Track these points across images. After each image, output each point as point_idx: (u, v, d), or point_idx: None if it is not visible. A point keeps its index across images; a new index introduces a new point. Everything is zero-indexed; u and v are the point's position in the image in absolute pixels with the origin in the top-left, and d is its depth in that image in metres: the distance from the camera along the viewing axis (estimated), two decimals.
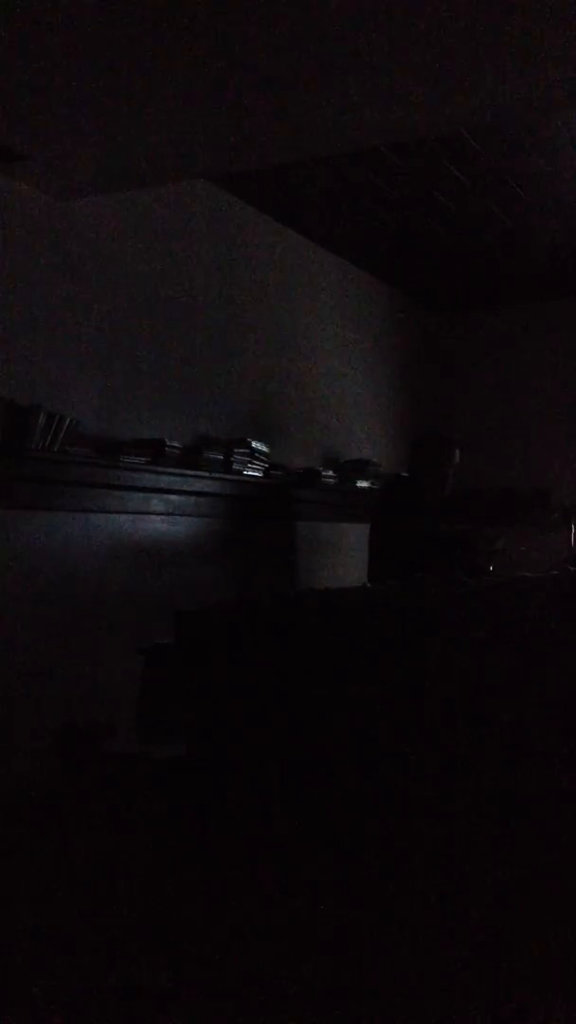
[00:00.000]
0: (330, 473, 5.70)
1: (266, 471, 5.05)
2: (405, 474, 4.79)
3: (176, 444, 4.40)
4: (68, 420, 3.81)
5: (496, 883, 2.13)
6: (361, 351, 6.43)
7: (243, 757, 2.42)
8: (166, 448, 4.30)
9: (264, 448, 5.01)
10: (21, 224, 3.91)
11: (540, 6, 2.80)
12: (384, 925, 2.21)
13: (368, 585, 3.97)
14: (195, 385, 4.81)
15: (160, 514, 4.51)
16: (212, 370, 4.94)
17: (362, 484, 5.92)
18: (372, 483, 5.96)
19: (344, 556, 5.90)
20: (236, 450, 4.79)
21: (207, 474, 4.61)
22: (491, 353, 7.34)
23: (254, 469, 4.94)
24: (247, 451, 4.86)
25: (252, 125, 3.53)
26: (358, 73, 3.16)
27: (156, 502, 4.46)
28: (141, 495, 4.36)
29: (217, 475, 4.68)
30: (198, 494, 4.68)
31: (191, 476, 4.53)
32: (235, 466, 4.78)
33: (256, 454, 4.93)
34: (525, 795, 2.12)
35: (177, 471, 4.43)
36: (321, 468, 5.67)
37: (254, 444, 4.92)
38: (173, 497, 4.56)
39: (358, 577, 5.01)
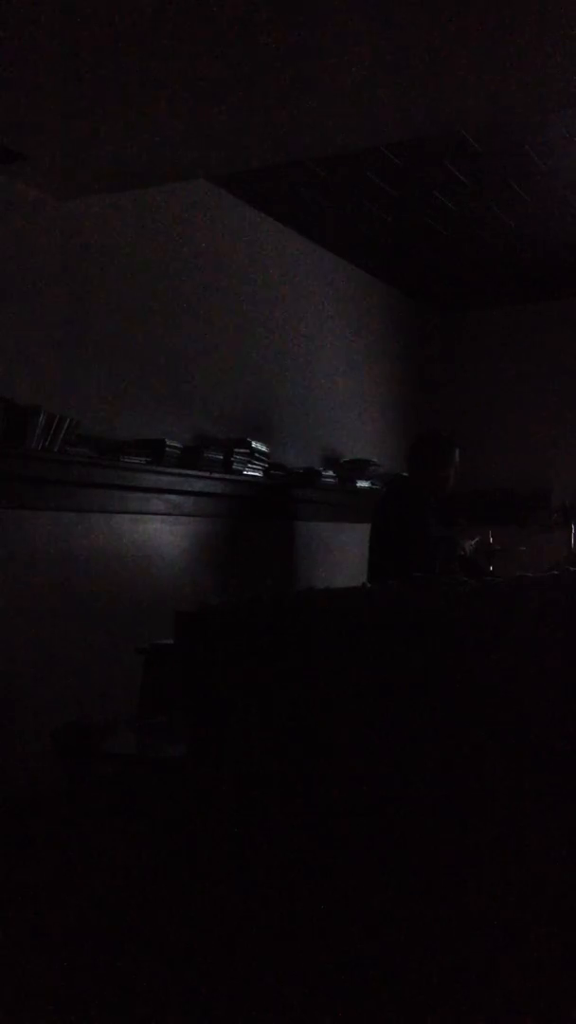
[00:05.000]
0: (330, 473, 5.70)
1: (266, 471, 5.05)
2: (405, 474, 4.78)
3: (176, 444, 4.40)
4: (68, 420, 3.81)
5: (497, 882, 2.13)
6: (361, 351, 6.43)
7: (243, 757, 2.42)
8: (166, 448, 4.30)
9: (264, 448, 5.01)
10: (22, 224, 3.91)
11: (539, 7, 2.80)
12: (384, 924, 2.21)
13: (368, 585, 3.97)
14: (195, 385, 4.81)
15: (160, 514, 4.51)
16: (212, 370, 4.94)
17: (362, 484, 5.92)
18: (372, 483, 5.96)
19: (344, 556, 5.90)
20: (236, 450, 4.79)
21: (207, 474, 4.61)
22: (491, 353, 7.34)
23: (254, 469, 4.94)
24: (247, 451, 4.86)
25: (252, 125, 3.53)
26: (358, 73, 3.16)
27: (156, 502, 4.46)
28: (141, 495, 4.36)
29: (217, 475, 4.68)
30: (198, 494, 4.68)
31: (191, 476, 4.53)
32: (235, 466, 4.78)
33: (256, 454, 4.93)
34: (526, 794, 2.13)
35: (177, 471, 4.43)
36: (321, 468, 5.67)
37: (254, 444, 4.92)
38: (173, 497, 4.55)
39: (358, 577, 5.01)
